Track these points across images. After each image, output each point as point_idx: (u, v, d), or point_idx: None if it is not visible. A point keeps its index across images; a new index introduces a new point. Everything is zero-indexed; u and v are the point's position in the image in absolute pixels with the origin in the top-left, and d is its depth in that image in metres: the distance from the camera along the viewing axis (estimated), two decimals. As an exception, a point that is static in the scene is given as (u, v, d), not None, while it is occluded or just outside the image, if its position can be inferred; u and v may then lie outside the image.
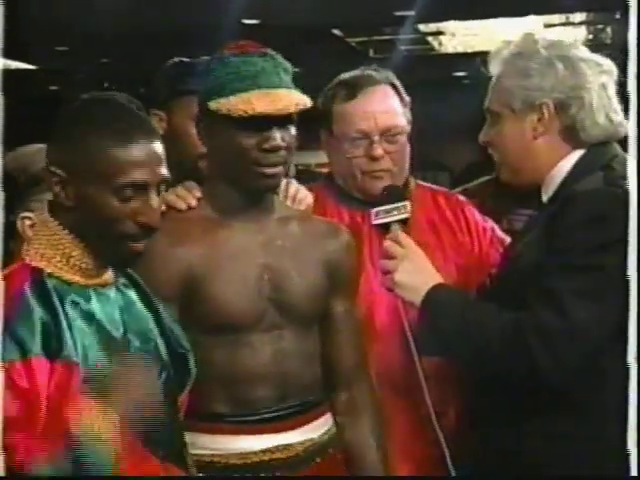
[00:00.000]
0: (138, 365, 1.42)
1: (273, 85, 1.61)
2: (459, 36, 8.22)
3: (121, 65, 8.43)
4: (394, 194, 1.81)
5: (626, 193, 1.56)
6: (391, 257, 1.72)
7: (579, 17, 7.41)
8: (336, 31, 7.96)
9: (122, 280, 1.49)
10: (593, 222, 1.57)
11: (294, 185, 1.88)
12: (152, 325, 1.49)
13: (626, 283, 1.52)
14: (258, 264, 1.68)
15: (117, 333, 1.42)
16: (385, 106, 1.99)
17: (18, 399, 1.29)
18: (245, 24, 6.98)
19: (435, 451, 1.77)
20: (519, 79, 1.69)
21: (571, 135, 1.68)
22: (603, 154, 1.68)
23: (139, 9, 6.22)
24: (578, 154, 1.69)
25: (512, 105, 1.69)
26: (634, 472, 1.42)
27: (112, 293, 1.45)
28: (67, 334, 1.35)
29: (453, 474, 1.67)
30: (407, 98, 2.04)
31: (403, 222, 1.76)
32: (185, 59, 2.17)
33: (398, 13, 7.07)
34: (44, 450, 1.30)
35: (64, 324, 1.35)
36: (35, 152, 1.70)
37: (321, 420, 1.75)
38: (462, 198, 2.15)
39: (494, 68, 1.76)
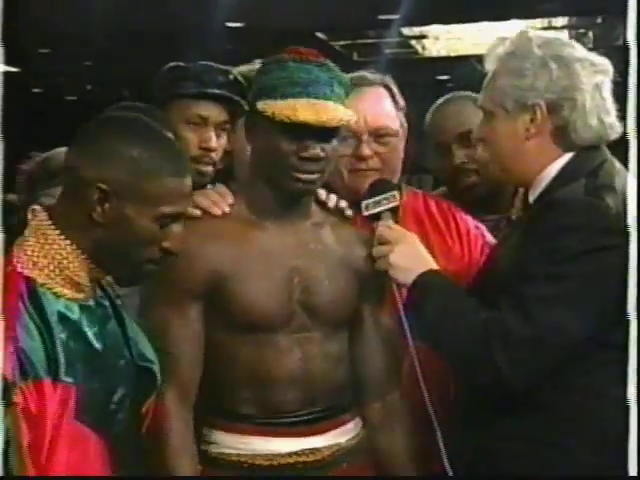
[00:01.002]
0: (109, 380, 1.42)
1: (323, 96, 1.62)
2: (442, 40, 8.26)
3: (104, 68, 8.41)
4: (382, 186, 1.81)
5: (604, 203, 1.57)
6: (385, 242, 1.72)
7: (561, 21, 7.47)
8: (320, 34, 7.97)
9: (98, 292, 1.48)
10: (566, 231, 1.56)
11: (344, 202, 1.85)
12: (122, 339, 1.48)
13: (597, 291, 1.54)
14: (288, 266, 1.68)
15: (99, 346, 1.40)
16: (376, 107, 1.98)
17: (26, 423, 1.28)
18: (229, 27, 6.99)
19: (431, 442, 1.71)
20: (512, 79, 1.67)
21: (563, 136, 1.67)
22: (591, 159, 1.67)
23: (123, 12, 6.21)
24: (567, 157, 1.68)
25: (505, 105, 1.68)
26: (634, 472, 1.42)
27: (93, 305, 1.43)
28: (61, 353, 1.33)
29: (449, 469, 1.63)
30: (402, 102, 2.03)
31: (393, 212, 1.77)
32: (181, 63, 2.18)
33: (382, 17, 7.09)
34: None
35: (58, 343, 1.33)
36: (59, 152, 1.73)
37: (349, 425, 1.74)
38: (453, 205, 2.15)
39: (489, 65, 1.74)
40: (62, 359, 1.33)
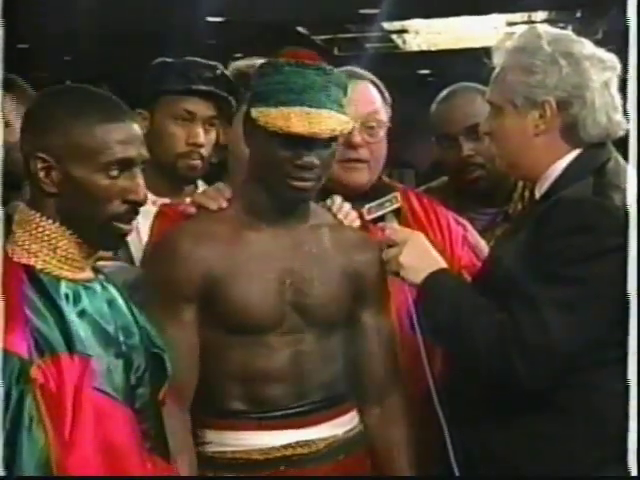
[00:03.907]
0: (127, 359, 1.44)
1: (318, 104, 1.61)
2: (423, 34, 8.27)
3: (84, 63, 8.36)
4: (381, 189, 1.83)
5: (613, 203, 1.57)
6: (393, 244, 1.73)
7: (541, 15, 7.49)
8: (301, 29, 7.96)
9: (101, 276, 1.50)
10: (577, 232, 1.56)
11: (347, 205, 1.85)
12: (132, 321, 1.49)
13: (608, 294, 1.54)
14: (281, 268, 1.68)
15: (109, 327, 1.42)
16: (367, 98, 2.01)
17: (46, 400, 1.29)
18: (210, 22, 6.96)
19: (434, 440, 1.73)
20: (522, 75, 1.67)
21: (571, 133, 1.67)
22: (598, 156, 1.67)
23: (102, 7, 6.17)
24: (574, 154, 1.68)
25: (514, 101, 1.68)
26: (634, 472, 1.43)
27: (98, 288, 1.45)
28: (73, 329, 1.35)
29: (455, 469, 1.64)
30: (388, 97, 2.06)
31: (395, 213, 1.78)
32: (167, 59, 2.18)
33: (363, 11, 7.09)
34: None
35: (69, 320, 1.36)
36: None
37: (346, 417, 1.75)
38: (434, 199, 2.17)
39: (497, 59, 1.74)
40: (75, 333, 1.34)
